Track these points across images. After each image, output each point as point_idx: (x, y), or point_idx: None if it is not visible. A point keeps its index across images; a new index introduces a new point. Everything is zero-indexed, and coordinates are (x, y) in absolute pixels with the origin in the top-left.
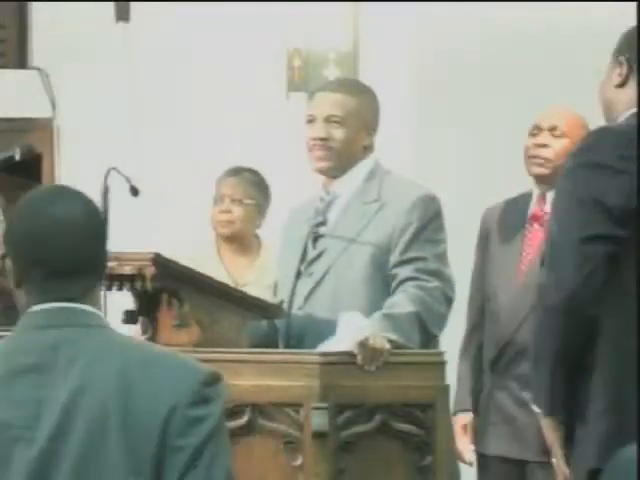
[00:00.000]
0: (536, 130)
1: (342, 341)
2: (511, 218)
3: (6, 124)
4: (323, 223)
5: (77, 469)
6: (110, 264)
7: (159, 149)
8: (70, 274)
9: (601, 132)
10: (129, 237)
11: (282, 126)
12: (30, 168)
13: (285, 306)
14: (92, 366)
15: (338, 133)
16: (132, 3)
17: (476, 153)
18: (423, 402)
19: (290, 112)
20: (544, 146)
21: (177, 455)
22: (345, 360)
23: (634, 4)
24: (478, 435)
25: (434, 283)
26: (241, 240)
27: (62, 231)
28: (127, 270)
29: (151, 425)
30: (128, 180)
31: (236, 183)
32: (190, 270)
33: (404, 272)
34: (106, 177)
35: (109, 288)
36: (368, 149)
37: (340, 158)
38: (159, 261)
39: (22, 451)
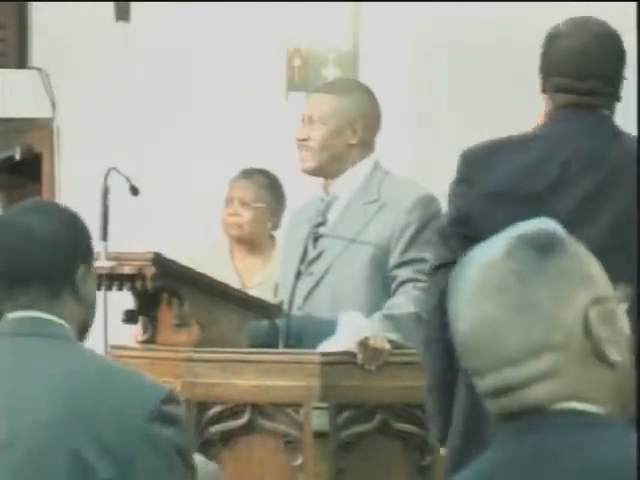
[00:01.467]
0: None
1: (342, 341)
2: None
3: (6, 124)
4: (323, 223)
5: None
6: (110, 264)
7: (159, 149)
8: (20, 282)
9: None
10: (129, 237)
11: (282, 126)
12: (30, 168)
13: (285, 306)
14: (41, 379)
15: (316, 133)
16: (132, 3)
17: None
18: (423, 402)
19: (290, 112)
20: None
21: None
22: (345, 360)
23: (634, 4)
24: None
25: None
26: (252, 242)
27: (14, 240)
28: (127, 270)
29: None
30: (128, 180)
31: (247, 186)
32: (190, 270)
33: (404, 273)
34: (106, 177)
35: (109, 288)
36: (360, 148)
37: (320, 157)
38: (159, 261)
39: None
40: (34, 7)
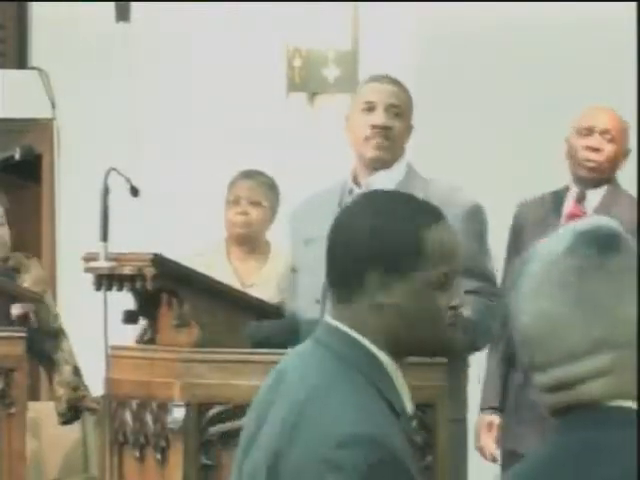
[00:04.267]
0: (586, 131)
1: None
2: (546, 215)
3: (6, 124)
4: None
5: None
6: (110, 264)
7: (159, 149)
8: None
9: None
10: (129, 237)
11: (282, 126)
12: (30, 168)
13: (320, 306)
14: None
15: (398, 124)
16: (132, 3)
17: (477, 152)
18: (423, 402)
19: (290, 112)
20: (597, 150)
21: None
22: None
23: (634, 4)
24: (509, 433)
25: (494, 302)
26: (253, 242)
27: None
28: (127, 270)
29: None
30: (128, 180)
31: (254, 185)
32: (190, 270)
33: (469, 284)
34: (106, 177)
35: (109, 288)
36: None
37: (395, 150)
38: (159, 261)
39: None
40: (34, 7)
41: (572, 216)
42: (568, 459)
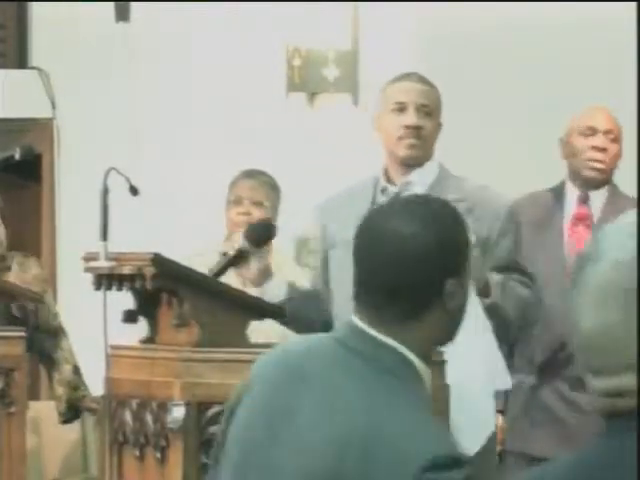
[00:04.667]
0: (590, 131)
1: None
2: (544, 214)
3: (6, 124)
4: None
5: None
6: (110, 264)
7: (159, 149)
8: (375, 294)
9: None
10: (129, 237)
11: (282, 126)
12: (30, 168)
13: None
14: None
15: (428, 123)
16: (132, 3)
17: (477, 152)
18: None
19: (290, 112)
20: (603, 150)
21: None
22: None
23: (634, 4)
24: (518, 434)
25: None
26: None
27: (374, 250)
28: (127, 270)
29: None
30: (128, 180)
31: (256, 185)
32: (190, 270)
33: (505, 277)
34: (106, 177)
35: (109, 288)
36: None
37: (427, 149)
38: (159, 261)
39: None
40: (34, 7)
41: (580, 217)
42: (611, 463)
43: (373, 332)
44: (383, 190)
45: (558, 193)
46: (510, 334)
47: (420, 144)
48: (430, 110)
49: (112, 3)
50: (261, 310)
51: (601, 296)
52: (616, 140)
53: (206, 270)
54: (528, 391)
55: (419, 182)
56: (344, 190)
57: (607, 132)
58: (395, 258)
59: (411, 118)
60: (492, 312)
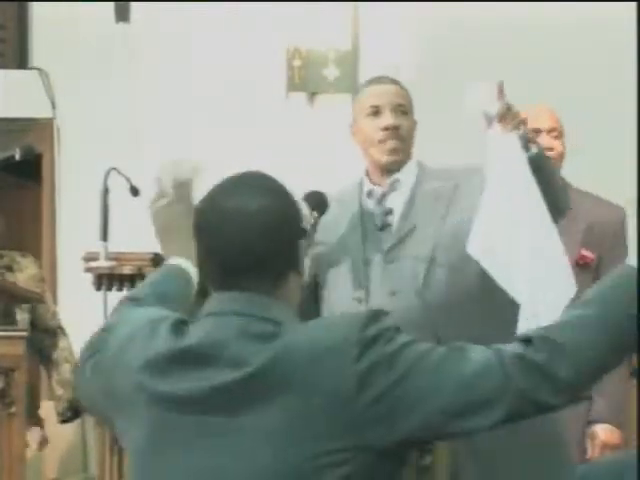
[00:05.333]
0: (533, 133)
1: None
2: None
3: (6, 124)
4: (390, 212)
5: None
6: (110, 264)
7: (159, 149)
8: (241, 272)
9: None
10: (129, 237)
11: (282, 126)
12: (30, 168)
13: (360, 295)
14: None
15: (405, 122)
16: (132, 3)
17: (477, 151)
18: None
19: (290, 112)
20: (550, 149)
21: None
22: None
23: (634, 4)
24: None
25: None
26: None
27: (230, 228)
28: (127, 270)
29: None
30: (128, 180)
31: None
32: None
33: None
34: (106, 177)
35: (109, 288)
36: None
37: (408, 149)
38: (159, 261)
39: None
40: (34, 7)
41: None
42: None
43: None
44: (369, 193)
45: None
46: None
47: (401, 146)
48: (406, 109)
49: (112, 3)
50: None
51: None
52: (560, 136)
53: None
54: None
55: (404, 180)
56: (333, 196)
57: (550, 130)
58: (253, 232)
59: (387, 119)
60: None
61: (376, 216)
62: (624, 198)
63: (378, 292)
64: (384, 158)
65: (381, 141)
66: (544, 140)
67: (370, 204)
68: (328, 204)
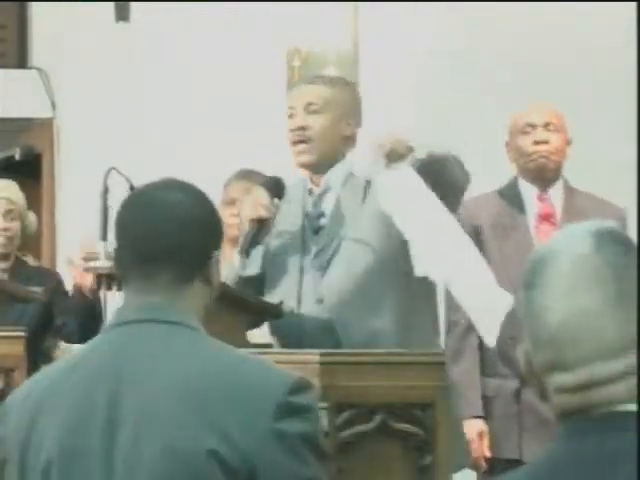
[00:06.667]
0: (530, 128)
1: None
2: (505, 214)
3: (6, 124)
4: (322, 215)
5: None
6: (110, 264)
7: (159, 149)
8: (153, 261)
9: None
10: None
11: (282, 126)
12: (30, 168)
13: (292, 303)
14: (158, 369)
15: (317, 121)
16: (132, 3)
17: (476, 151)
18: (423, 402)
19: None
20: (545, 142)
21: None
22: (345, 360)
23: (634, 4)
24: (508, 441)
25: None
26: None
27: (150, 215)
28: None
29: (230, 442)
30: (128, 180)
31: (249, 186)
32: None
33: None
34: (106, 177)
35: (109, 288)
36: (350, 141)
37: (320, 149)
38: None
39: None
40: (34, 7)
41: (544, 216)
42: (575, 463)
43: (157, 299)
44: (310, 192)
45: (511, 194)
46: None
47: (309, 147)
48: (320, 107)
49: (112, 3)
50: (260, 310)
51: (570, 289)
52: (558, 130)
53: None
54: (512, 395)
55: (333, 180)
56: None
57: (546, 125)
58: (172, 223)
59: (296, 121)
60: None
61: (312, 219)
62: (623, 199)
63: (308, 300)
64: (295, 160)
65: (293, 143)
66: (539, 134)
67: (309, 205)
68: (285, 189)
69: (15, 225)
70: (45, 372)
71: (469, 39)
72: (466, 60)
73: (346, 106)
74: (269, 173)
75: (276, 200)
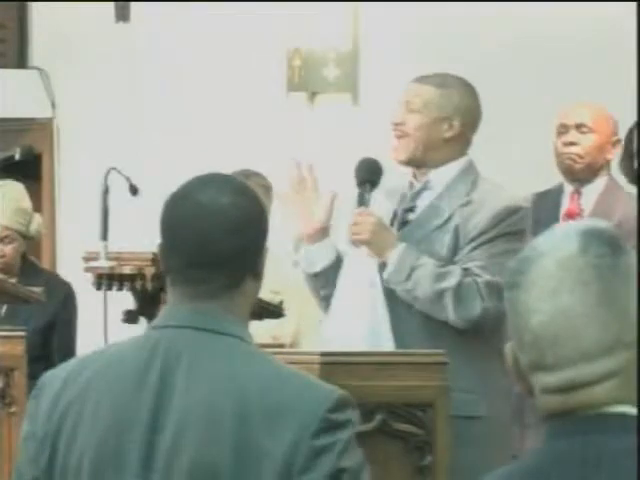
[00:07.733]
0: (563, 129)
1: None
2: (544, 214)
3: (6, 124)
4: (412, 209)
5: None
6: (110, 264)
7: (159, 149)
8: (203, 267)
9: None
10: (129, 237)
11: (282, 126)
12: (30, 168)
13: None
14: (200, 380)
15: (413, 119)
16: (132, 3)
17: (477, 151)
18: (423, 402)
19: (290, 112)
20: (573, 144)
21: None
22: (345, 360)
23: (634, 4)
24: (512, 440)
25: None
26: None
27: (199, 220)
28: (127, 270)
29: (270, 460)
30: (128, 180)
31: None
32: None
33: (469, 263)
34: (106, 177)
35: (109, 288)
36: (455, 144)
37: (413, 147)
38: (159, 261)
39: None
40: (34, 7)
41: (570, 214)
42: (562, 464)
43: (209, 306)
44: (410, 185)
45: (557, 192)
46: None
47: (403, 144)
48: (419, 107)
49: (112, 3)
50: (261, 309)
51: (554, 289)
52: (592, 131)
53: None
54: (517, 395)
55: (436, 180)
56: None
57: (578, 126)
58: (223, 227)
59: (394, 116)
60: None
61: (402, 212)
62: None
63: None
64: (391, 155)
65: (395, 137)
66: (570, 135)
67: (407, 199)
68: (382, 173)
69: (10, 248)
70: (83, 362)
71: (469, 39)
72: (466, 60)
73: (450, 108)
74: (267, 171)
75: (367, 186)
